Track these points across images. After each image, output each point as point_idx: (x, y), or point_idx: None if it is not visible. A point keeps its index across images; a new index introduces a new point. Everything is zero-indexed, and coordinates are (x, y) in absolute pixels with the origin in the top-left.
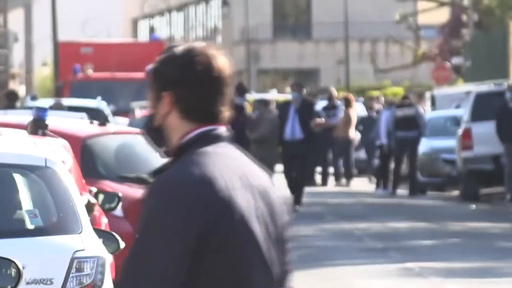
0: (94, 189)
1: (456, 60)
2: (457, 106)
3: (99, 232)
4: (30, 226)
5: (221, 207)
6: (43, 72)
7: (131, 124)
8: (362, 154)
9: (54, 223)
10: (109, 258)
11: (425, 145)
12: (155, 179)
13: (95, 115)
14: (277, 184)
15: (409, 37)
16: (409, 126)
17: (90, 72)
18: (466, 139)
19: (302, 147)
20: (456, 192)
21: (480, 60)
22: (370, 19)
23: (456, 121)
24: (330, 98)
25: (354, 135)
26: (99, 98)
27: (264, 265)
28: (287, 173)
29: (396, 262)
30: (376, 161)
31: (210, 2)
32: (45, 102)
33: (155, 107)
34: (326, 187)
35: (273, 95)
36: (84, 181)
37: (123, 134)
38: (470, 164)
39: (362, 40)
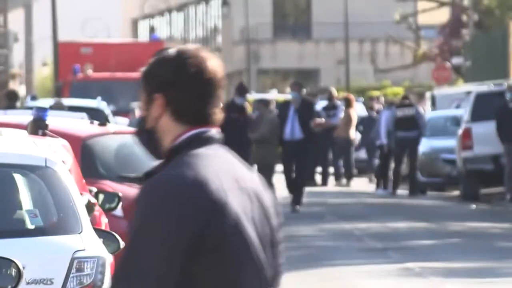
0: (94, 189)
1: (456, 60)
2: (457, 106)
3: (99, 232)
4: (30, 226)
5: (214, 209)
6: (43, 72)
7: (131, 124)
8: (362, 154)
9: (54, 223)
10: (109, 258)
11: (425, 145)
12: (147, 180)
13: (95, 115)
14: (277, 184)
15: (409, 37)
16: (409, 126)
17: (90, 72)
18: (466, 139)
19: (302, 147)
20: (456, 192)
21: (480, 60)
22: (370, 19)
23: (456, 121)
24: (330, 98)
25: (355, 135)
26: (99, 98)
27: (256, 268)
28: (286, 173)
29: (396, 262)
30: (376, 161)
31: (210, 2)
32: (45, 102)
33: (147, 109)
34: (326, 187)
35: (273, 95)
36: (84, 181)
37: (123, 134)
38: (470, 164)
39: (362, 40)
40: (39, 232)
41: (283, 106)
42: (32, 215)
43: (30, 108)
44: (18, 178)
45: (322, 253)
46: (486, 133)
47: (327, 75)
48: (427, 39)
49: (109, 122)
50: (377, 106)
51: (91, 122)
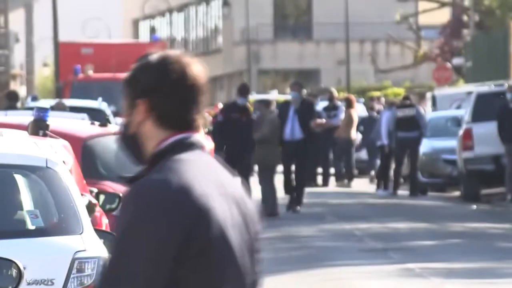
0: (95, 190)
1: (457, 61)
2: (458, 107)
3: (100, 233)
4: (31, 226)
5: (198, 214)
6: (44, 72)
7: None
8: (363, 155)
9: (55, 223)
10: None
11: (425, 146)
12: (132, 186)
13: (96, 115)
14: (278, 185)
15: (410, 38)
16: (410, 127)
17: (90, 72)
18: (467, 140)
19: (302, 147)
20: (456, 193)
21: (480, 61)
22: (370, 20)
23: (457, 121)
24: (331, 98)
25: (355, 135)
26: (100, 98)
27: (239, 273)
28: (285, 173)
29: (397, 263)
30: (377, 162)
31: (210, 3)
32: (46, 102)
33: (130, 114)
34: (326, 188)
35: (273, 96)
36: (85, 181)
37: None
38: (471, 165)
39: (362, 41)
40: (39, 232)
41: (283, 106)
42: (33, 216)
43: (31, 108)
44: (19, 179)
45: (323, 253)
46: (486, 133)
47: (327, 76)
48: (428, 39)
49: (110, 122)
50: (377, 106)
51: (92, 123)
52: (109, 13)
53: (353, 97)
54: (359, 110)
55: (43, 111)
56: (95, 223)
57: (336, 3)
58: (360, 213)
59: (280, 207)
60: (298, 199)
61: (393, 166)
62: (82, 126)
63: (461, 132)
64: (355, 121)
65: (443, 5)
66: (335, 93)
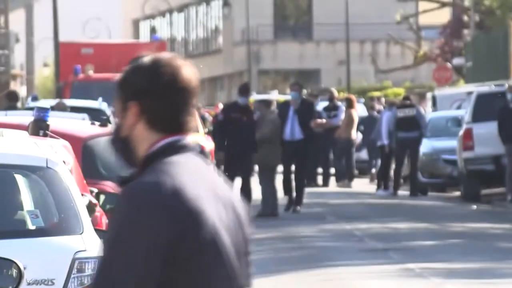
0: (95, 190)
1: (457, 61)
2: (458, 107)
3: (100, 233)
4: (31, 226)
5: (191, 217)
6: (44, 72)
7: None
8: (363, 155)
9: (55, 223)
10: None
11: (426, 146)
12: (124, 188)
13: (97, 115)
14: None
15: (410, 38)
16: (410, 127)
17: (91, 72)
18: (467, 140)
19: (301, 147)
20: (457, 193)
21: (481, 61)
22: (371, 20)
23: (457, 121)
24: (331, 98)
25: (356, 136)
26: (100, 99)
27: (230, 277)
28: (286, 173)
29: (397, 263)
30: (377, 162)
31: (211, 3)
32: (46, 102)
33: (121, 117)
34: (327, 188)
35: (274, 96)
36: (85, 181)
37: None
38: (471, 165)
39: (363, 41)
40: (40, 232)
41: (283, 107)
42: (33, 216)
43: (31, 108)
44: (19, 179)
45: (323, 253)
46: (487, 133)
47: (327, 76)
48: (428, 39)
49: (110, 122)
50: (377, 106)
51: (92, 123)
52: (109, 13)
53: (353, 97)
54: (359, 110)
55: (43, 111)
56: (95, 223)
57: (336, 4)
58: (360, 213)
59: (279, 207)
60: (298, 199)
61: (393, 166)
62: (82, 126)
63: (461, 132)
64: (356, 121)
65: (443, 5)
66: (335, 93)
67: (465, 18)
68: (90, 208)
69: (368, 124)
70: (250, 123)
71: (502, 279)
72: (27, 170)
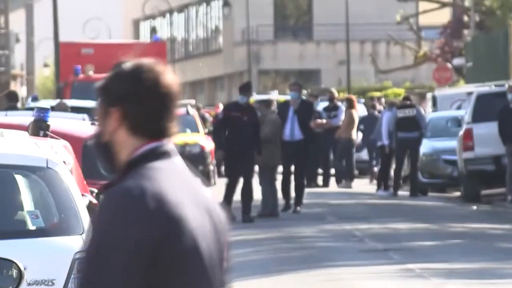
0: (96, 190)
1: (457, 61)
2: (458, 107)
3: None
4: (31, 227)
5: (171, 223)
6: (44, 73)
7: None
8: (364, 155)
9: (56, 224)
10: None
11: (426, 146)
12: (106, 192)
13: None
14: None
15: (410, 38)
16: (410, 127)
17: (91, 73)
18: (467, 140)
19: (301, 147)
20: (457, 193)
21: (481, 61)
22: (371, 20)
23: (457, 122)
24: (331, 99)
25: (356, 136)
26: None
27: (208, 283)
28: (285, 174)
29: (397, 263)
30: (378, 162)
31: (211, 3)
32: (47, 103)
33: (103, 123)
34: (327, 188)
35: (274, 96)
36: (85, 182)
37: None
38: (471, 165)
39: (363, 41)
40: (40, 233)
41: (282, 107)
42: (33, 216)
43: (31, 109)
44: (20, 179)
45: (323, 254)
46: (487, 134)
47: (328, 76)
48: (428, 40)
49: None
50: (378, 106)
51: (92, 123)
52: (109, 13)
53: (354, 97)
54: (359, 111)
55: (43, 111)
56: None
57: (336, 4)
58: (360, 214)
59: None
60: (298, 200)
61: (393, 166)
62: (82, 126)
63: (461, 132)
64: (356, 121)
65: (443, 5)
66: (336, 94)
67: (465, 18)
68: (90, 208)
69: (369, 123)
70: (250, 122)
71: (502, 279)
72: (27, 170)
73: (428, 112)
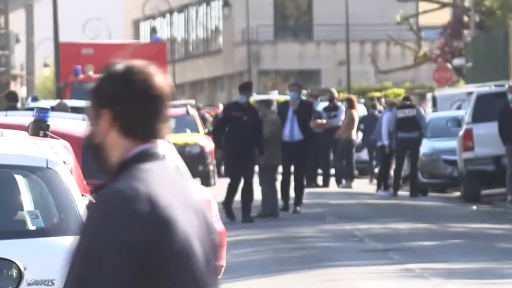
0: None
1: (457, 61)
2: (458, 107)
3: None
4: (31, 227)
5: (162, 225)
6: (44, 73)
7: None
8: (364, 155)
9: (56, 224)
10: None
11: (426, 146)
12: (98, 194)
13: None
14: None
15: (410, 38)
16: (410, 127)
17: (91, 73)
18: (467, 140)
19: (301, 148)
20: (457, 193)
21: (481, 61)
22: (371, 21)
23: (457, 122)
24: (331, 99)
25: (356, 136)
26: None
27: (199, 285)
28: (285, 174)
29: (397, 263)
30: (377, 162)
31: (211, 3)
32: (46, 103)
33: (95, 124)
34: (327, 188)
35: (274, 96)
36: (85, 182)
37: None
38: (471, 165)
39: (363, 41)
40: (40, 233)
41: (282, 107)
42: (33, 216)
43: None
44: (19, 179)
45: (323, 254)
46: (487, 134)
47: (328, 76)
48: (428, 40)
49: None
50: (378, 106)
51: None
52: (109, 13)
53: (354, 97)
54: (359, 111)
55: (43, 111)
56: None
57: (336, 4)
58: (360, 214)
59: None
60: (298, 200)
61: (393, 166)
62: (82, 126)
63: (461, 132)
64: (356, 121)
65: (443, 5)
66: (335, 94)
67: (465, 18)
68: None
69: (369, 123)
70: (250, 122)
71: (502, 279)
72: (27, 170)
73: (428, 112)
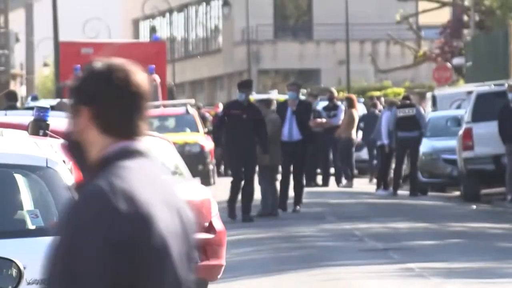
0: None
1: (457, 61)
2: (458, 107)
3: None
4: (31, 226)
5: (140, 222)
6: (44, 72)
7: None
8: (364, 155)
9: (55, 223)
10: None
11: (426, 146)
12: (77, 192)
13: None
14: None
15: (410, 38)
16: (410, 127)
17: None
18: (467, 139)
19: (300, 148)
20: (456, 193)
21: (481, 61)
22: (371, 20)
23: (457, 121)
24: (331, 98)
25: (356, 135)
26: None
27: (177, 282)
28: (285, 175)
29: (397, 263)
30: (376, 162)
31: (210, 3)
32: (46, 102)
33: (74, 121)
34: (326, 188)
35: (274, 96)
36: None
37: None
38: (471, 165)
39: (363, 41)
40: (40, 232)
41: (281, 107)
42: (33, 216)
43: (31, 108)
44: (19, 179)
45: (323, 253)
46: (487, 133)
47: (328, 76)
48: (428, 39)
49: None
50: (379, 105)
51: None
52: (109, 13)
53: (354, 97)
54: (359, 110)
55: (43, 110)
56: None
57: (336, 3)
58: (360, 213)
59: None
60: (298, 199)
61: (393, 166)
62: None
63: (461, 132)
64: (356, 121)
65: (443, 5)
66: (335, 93)
67: (465, 18)
68: None
69: (369, 122)
70: (250, 120)
71: (502, 278)
72: (27, 169)
73: (427, 111)
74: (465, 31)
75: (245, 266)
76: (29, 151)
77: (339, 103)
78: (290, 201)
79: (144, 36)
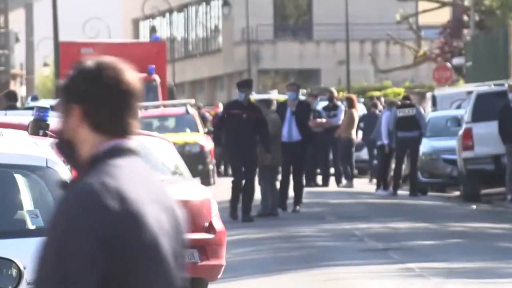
0: None
1: (457, 61)
2: (458, 107)
3: None
4: (31, 226)
5: (131, 220)
6: (44, 72)
7: None
8: (364, 155)
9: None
10: None
11: (425, 146)
12: (68, 189)
13: None
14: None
15: (410, 38)
16: (410, 127)
17: None
18: (467, 139)
19: (299, 148)
20: (456, 193)
21: (481, 61)
22: (371, 20)
23: (457, 121)
24: (331, 98)
25: (356, 135)
26: None
27: (168, 280)
28: (284, 176)
29: (397, 263)
30: (375, 162)
31: (210, 3)
32: (46, 102)
33: (65, 120)
34: (326, 188)
35: (274, 96)
36: None
37: None
38: (471, 165)
39: (363, 41)
40: (40, 232)
41: (280, 107)
42: (33, 216)
43: (31, 108)
44: (19, 179)
45: (323, 253)
46: (487, 133)
47: (327, 76)
48: (428, 39)
49: None
50: (379, 105)
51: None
52: (109, 13)
53: (354, 97)
54: (359, 110)
55: (43, 110)
56: None
57: (336, 3)
58: (360, 213)
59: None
60: (298, 199)
61: (393, 166)
62: None
63: (461, 132)
64: (356, 121)
65: (443, 5)
66: (335, 93)
67: (465, 18)
68: None
69: (369, 122)
70: (250, 120)
71: (502, 278)
72: (27, 169)
73: (427, 111)
74: (465, 31)
75: (245, 266)
76: (29, 151)
77: (339, 103)
78: (290, 201)
79: (144, 36)
